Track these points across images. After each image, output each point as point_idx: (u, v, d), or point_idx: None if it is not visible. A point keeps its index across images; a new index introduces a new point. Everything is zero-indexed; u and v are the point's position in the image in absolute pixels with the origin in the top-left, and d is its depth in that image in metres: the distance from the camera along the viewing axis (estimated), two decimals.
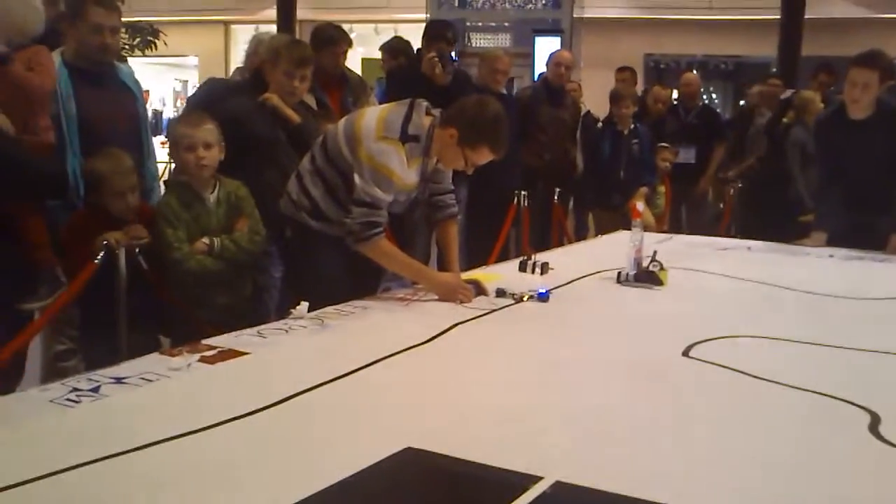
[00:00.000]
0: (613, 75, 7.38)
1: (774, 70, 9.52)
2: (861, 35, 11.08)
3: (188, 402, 1.77)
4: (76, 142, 3.20)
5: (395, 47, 5.89)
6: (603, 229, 5.87)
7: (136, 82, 3.58)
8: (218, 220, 3.13)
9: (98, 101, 3.28)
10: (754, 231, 6.80)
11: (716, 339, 2.39)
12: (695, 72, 8.47)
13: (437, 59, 4.91)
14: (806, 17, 10.13)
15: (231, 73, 4.69)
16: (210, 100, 3.76)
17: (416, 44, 5.53)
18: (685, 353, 2.24)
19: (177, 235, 3.04)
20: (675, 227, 6.41)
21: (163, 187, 3.59)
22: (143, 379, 1.85)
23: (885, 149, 3.99)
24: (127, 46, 9.15)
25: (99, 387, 1.78)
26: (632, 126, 5.88)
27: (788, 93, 6.78)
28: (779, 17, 10.27)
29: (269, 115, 3.44)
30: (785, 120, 6.38)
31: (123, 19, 8.27)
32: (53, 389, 1.76)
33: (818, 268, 3.75)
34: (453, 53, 5.00)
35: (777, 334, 2.48)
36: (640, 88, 7.61)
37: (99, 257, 2.92)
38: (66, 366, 3.27)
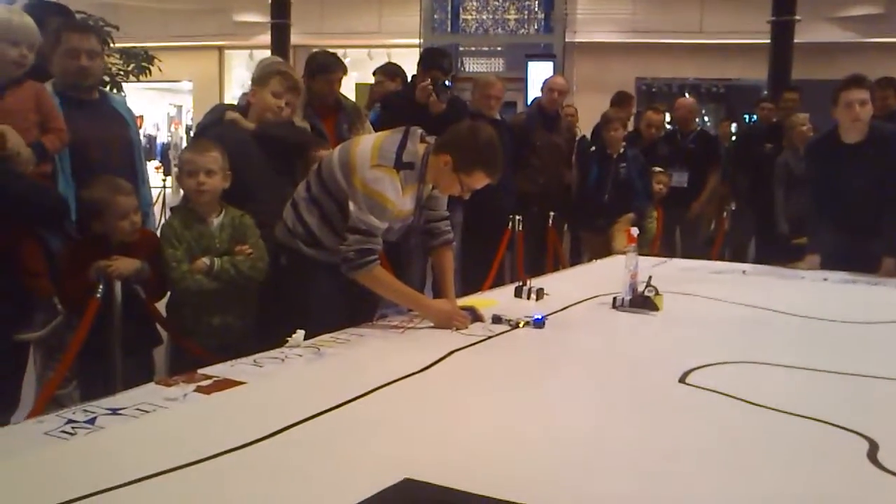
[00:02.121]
0: (606, 99, 7.42)
1: (765, 93, 9.60)
2: (849, 59, 11.20)
3: (184, 433, 1.75)
4: (68, 169, 3.20)
5: (392, 70, 5.93)
6: (593, 252, 5.89)
7: (129, 110, 3.58)
8: (221, 242, 3.14)
9: (90, 128, 3.28)
10: (748, 254, 6.86)
11: (713, 364, 2.39)
12: (687, 95, 8.55)
13: (431, 87, 4.94)
14: (795, 41, 10.23)
15: (238, 98, 4.69)
16: (210, 126, 3.76)
17: (409, 68, 5.56)
18: (682, 380, 2.24)
19: (175, 255, 3.05)
20: (669, 251, 6.43)
21: (156, 210, 3.59)
22: (138, 410, 1.84)
23: (878, 172, 4.02)
24: (122, 72, 9.18)
25: (95, 418, 1.77)
26: (621, 150, 5.90)
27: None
28: (769, 41, 10.37)
29: (268, 140, 3.44)
30: (769, 145, 6.45)
31: (118, 45, 8.24)
32: (48, 421, 1.74)
33: (813, 291, 3.76)
34: (447, 81, 5.01)
35: (774, 360, 2.48)
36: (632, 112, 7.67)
37: (100, 291, 2.92)
38: (62, 393, 3.24)
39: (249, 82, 4.44)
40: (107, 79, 7.55)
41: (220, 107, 3.79)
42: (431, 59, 5.28)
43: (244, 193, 3.22)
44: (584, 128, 7.10)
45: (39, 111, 3.04)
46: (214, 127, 3.46)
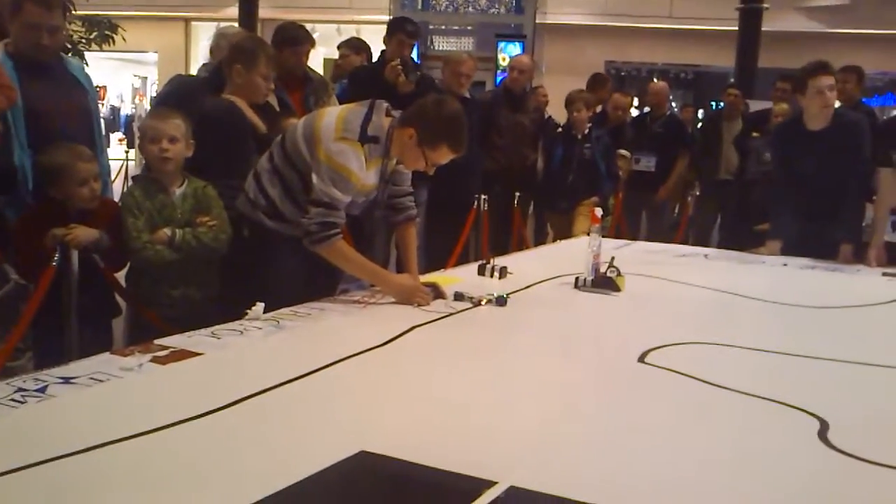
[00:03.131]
0: (576, 81, 7.43)
1: (732, 80, 9.67)
2: (816, 48, 11.29)
3: (138, 403, 1.73)
4: (23, 134, 3.10)
5: (356, 44, 5.88)
6: (559, 233, 5.91)
7: (87, 76, 3.49)
8: (183, 213, 3.09)
9: (46, 94, 3.19)
10: (711, 239, 6.94)
11: (671, 345, 2.41)
12: (655, 79, 8.59)
13: (400, 66, 4.90)
14: (763, 29, 10.31)
15: (197, 69, 4.63)
16: (178, 97, 3.71)
17: (378, 45, 5.52)
18: (641, 359, 2.25)
19: (136, 225, 3.01)
20: (634, 234, 6.47)
21: (118, 183, 3.53)
22: (92, 379, 1.81)
23: (841, 159, 4.07)
24: (84, 40, 8.97)
25: (46, 387, 1.74)
26: (586, 131, 5.91)
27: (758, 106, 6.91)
28: (737, 28, 10.45)
29: (240, 117, 3.40)
30: (755, 135, 6.49)
31: (80, 12, 8.02)
32: None
33: (773, 276, 3.81)
34: (415, 56, 4.99)
35: (732, 341, 2.51)
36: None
37: (55, 259, 2.86)
38: (15, 365, 3.19)
39: (209, 52, 4.38)
40: (68, 46, 7.37)
41: (178, 77, 3.74)
42: (396, 24, 5.27)
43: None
44: (554, 110, 7.11)
45: None
46: (213, 104, 3.40)
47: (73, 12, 7.71)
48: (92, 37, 9.16)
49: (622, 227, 6.43)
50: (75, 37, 8.43)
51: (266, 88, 3.49)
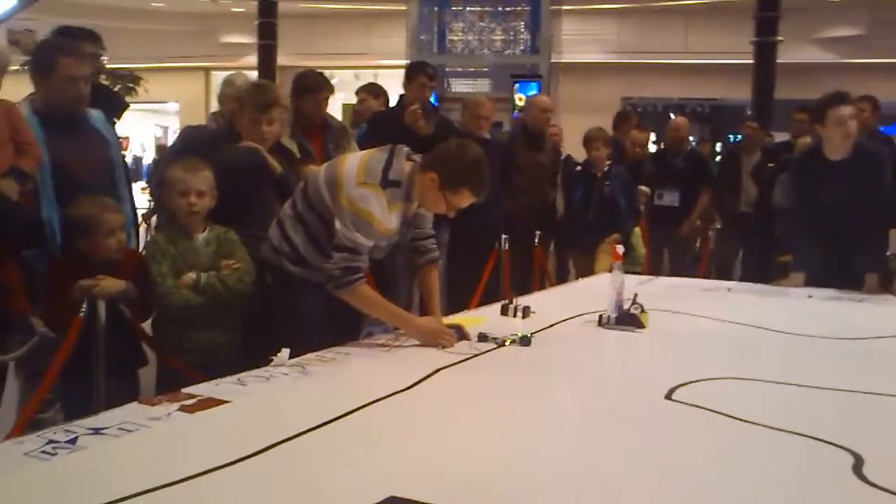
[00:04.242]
0: (591, 119, 7.46)
1: (749, 113, 9.68)
2: (831, 79, 11.30)
3: (167, 452, 1.74)
4: (50, 189, 3.17)
5: (375, 89, 5.96)
6: (581, 272, 5.90)
7: (109, 128, 3.55)
8: (206, 257, 3.13)
9: (70, 148, 3.25)
10: (733, 273, 6.89)
11: (698, 381, 2.39)
12: (672, 115, 8.62)
13: (419, 110, 4.96)
14: (778, 61, 10.34)
15: (207, 119, 4.70)
16: (191, 149, 3.76)
17: (396, 90, 5.59)
18: (668, 396, 2.23)
19: (160, 270, 3.04)
20: (657, 270, 6.45)
21: (143, 232, 3.57)
22: (121, 429, 1.82)
23: (862, 189, 4.05)
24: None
25: (76, 438, 1.75)
26: (606, 168, 5.92)
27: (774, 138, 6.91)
28: (752, 61, 10.48)
29: (261, 165, 3.45)
30: (770, 165, 6.48)
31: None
32: (28, 442, 1.72)
33: (798, 309, 3.77)
34: (433, 99, 5.06)
35: (759, 376, 2.48)
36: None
37: (83, 310, 2.89)
38: (44, 417, 3.21)
39: (218, 101, 4.44)
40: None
41: (188, 129, 3.81)
42: (416, 67, 5.34)
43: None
44: (570, 148, 7.14)
45: (9, 128, 3.02)
46: (234, 153, 3.46)
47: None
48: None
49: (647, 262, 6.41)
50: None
51: (258, 132, 3.48)
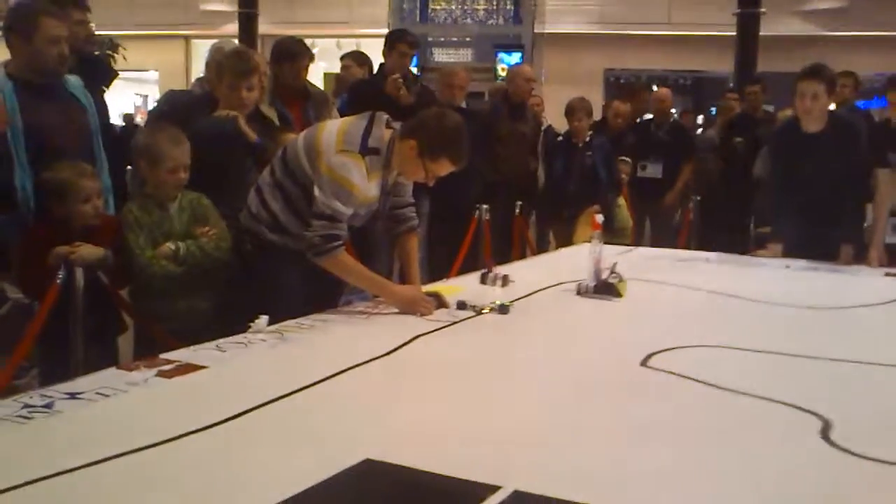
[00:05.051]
0: (574, 89, 7.46)
1: (731, 85, 9.69)
2: (813, 51, 11.33)
3: (144, 416, 1.74)
4: (23, 154, 3.13)
5: (360, 57, 5.92)
6: (561, 242, 5.92)
7: (86, 94, 3.51)
8: (181, 225, 3.12)
9: (46, 113, 3.21)
10: (713, 243, 6.94)
11: (674, 349, 2.42)
12: (655, 87, 8.61)
13: (400, 80, 4.93)
14: (760, 33, 10.34)
15: (191, 84, 4.67)
16: (173, 113, 3.74)
17: (378, 59, 5.55)
18: (643, 363, 2.26)
19: (138, 242, 3.04)
20: (638, 241, 6.48)
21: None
22: (98, 394, 1.83)
23: (838, 161, 4.08)
24: None
25: (52, 402, 1.75)
26: (587, 139, 5.92)
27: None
28: (735, 33, 10.48)
29: (236, 133, 3.42)
30: (738, 140, 6.52)
31: None
32: (4, 406, 1.72)
33: (774, 279, 3.81)
34: (415, 69, 5.03)
35: (734, 344, 2.52)
36: (600, 103, 7.72)
37: (60, 277, 2.88)
38: (20, 383, 3.20)
39: (205, 67, 4.41)
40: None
41: (171, 93, 3.78)
42: (396, 35, 5.31)
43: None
44: (553, 118, 7.13)
45: None
46: (210, 123, 3.43)
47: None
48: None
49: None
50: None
51: (237, 98, 3.48)
